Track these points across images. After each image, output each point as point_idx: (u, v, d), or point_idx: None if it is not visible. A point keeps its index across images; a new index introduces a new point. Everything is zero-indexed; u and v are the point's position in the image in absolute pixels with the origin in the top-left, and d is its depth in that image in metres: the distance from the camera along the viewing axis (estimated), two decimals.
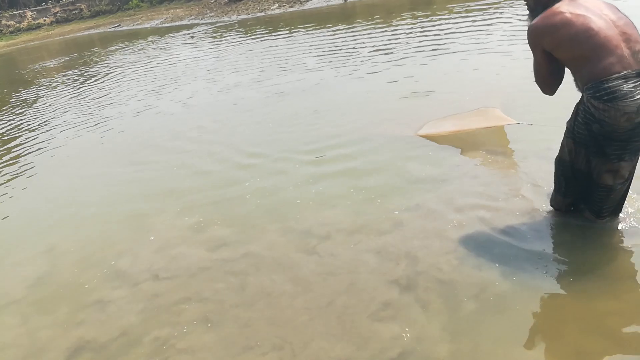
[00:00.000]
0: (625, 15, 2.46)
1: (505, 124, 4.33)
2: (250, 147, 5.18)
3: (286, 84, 7.66)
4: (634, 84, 2.29)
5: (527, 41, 2.57)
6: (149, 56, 14.02)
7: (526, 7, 2.69)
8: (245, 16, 19.11)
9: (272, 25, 15.26)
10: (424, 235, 3.08)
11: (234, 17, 19.54)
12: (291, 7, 18.39)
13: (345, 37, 10.62)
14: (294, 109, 6.35)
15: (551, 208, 2.98)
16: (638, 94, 2.29)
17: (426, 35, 9.16)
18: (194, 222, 3.86)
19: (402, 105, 5.67)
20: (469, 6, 11.02)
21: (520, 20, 8.59)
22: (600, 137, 2.42)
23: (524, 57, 6.23)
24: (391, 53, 8.26)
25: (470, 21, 9.54)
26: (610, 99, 2.30)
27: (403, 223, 3.26)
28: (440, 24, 9.87)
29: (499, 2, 10.63)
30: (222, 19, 19.85)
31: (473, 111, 4.73)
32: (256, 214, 3.77)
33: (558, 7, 2.45)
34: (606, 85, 2.31)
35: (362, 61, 8.13)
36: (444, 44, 8.15)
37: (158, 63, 12.39)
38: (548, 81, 2.60)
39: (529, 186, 3.39)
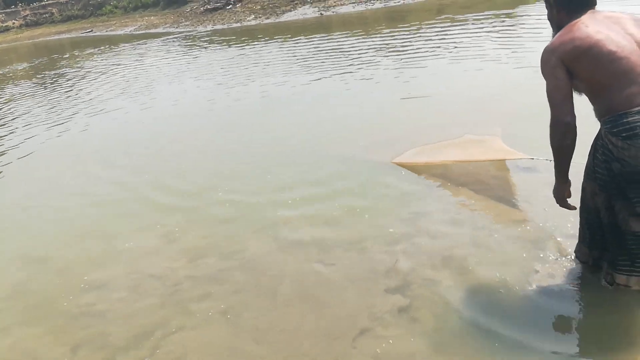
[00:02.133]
0: None
1: (516, 158, 3.81)
2: (219, 167, 4.97)
3: (264, 93, 7.64)
4: None
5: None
6: (120, 63, 13.81)
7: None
8: (221, 26, 19.05)
9: (249, 35, 15.24)
10: (415, 251, 3.05)
11: (209, 27, 19.45)
12: (267, 18, 18.42)
13: (323, 47, 10.66)
14: (272, 122, 6.17)
15: (573, 257, 2.66)
16: None
17: (408, 47, 9.24)
18: (167, 232, 3.76)
19: (386, 124, 5.38)
20: (447, 19, 11.23)
21: (507, 33, 8.79)
22: (620, 178, 2.09)
23: (525, 70, 6.19)
24: (373, 65, 8.30)
25: (453, 33, 9.69)
26: (630, 136, 1.99)
27: (395, 240, 3.21)
28: (420, 36, 10.00)
29: (480, 16, 10.86)
30: (197, 29, 19.72)
31: (473, 139, 4.25)
32: (242, 231, 3.64)
33: (576, 21, 2.14)
34: (626, 120, 2.00)
35: (344, 73, 8.10)
36: (426, 57, 8.19)
37: (129, 70, 12.20)
38: (567, 102, 2.12)
39: (533, 224, 3.13)
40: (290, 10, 18.59)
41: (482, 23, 10.31)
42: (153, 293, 3.05)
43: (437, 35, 9.89)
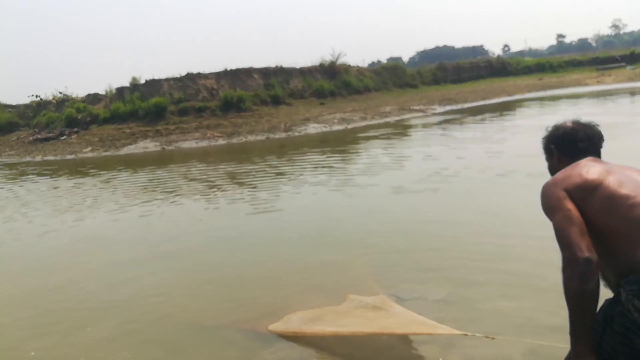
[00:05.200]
0: None
1: (441, 334, 3.02)
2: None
3: (87, 229, 7.05)
4: None
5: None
6: None
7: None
8: (53, 157, 17.91)
9: (82, 167, 14.46)
10: None
11: (38, 158, 18.16)
12: (106, 151, 17.85)
13: (164, 181, 10.46)
14: (98, 273, 5.23)
15: None
16: None
17: (253, 181, 9.47)
18: None
19: (246, 277, 4.76)
20: (293, 153, 11.95)
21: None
22: None
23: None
24: (220, 201, 8.28)
25: (299, 165, 10.23)
26: None
27: None
28: (265, 172, 10.36)
29: (320, 151, 11.75)
30: (24, 159, 18.28)
31: (368, 303, 3.55)
32: None
33: (580, 161, 1.91)
34: None
35: (192, 210, 7.91)
36: (272, 190, 8.38)
37: None
38: (583, 236, 1.65)
39: None
40: (131, 144, 18.32)
41: (324, 155, 11.21)
42: None
43: (283, 166, 10.43)
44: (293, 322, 3.49)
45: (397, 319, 3.25)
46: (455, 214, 5.98)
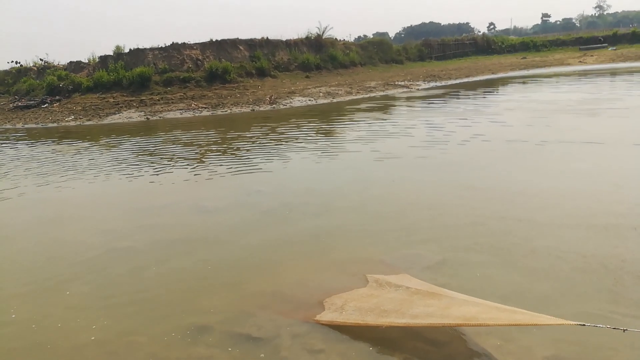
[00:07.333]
0: None
1: (546, 324, 2.51)
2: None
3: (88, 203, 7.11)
4: None
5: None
6: None
7: None
8: (34, 125, 17.69)
9: (69, 136, 14.34)
10: None
11: (19, 125, 17.92)
12: (89, 120, 17.68)
13: (147, 150, 10.49)
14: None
15: None
16: None
17: (243, 153, 9.58)
18: None
19: (264, 254, 4.48)
20: (279, 124, 12.03)
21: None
22: None
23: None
24: (204, 169, 8.37)
25: (289, 134, 10.36)
26: None
27: None
28: (247, 142, 10.47)
29: (306, 122, 11.83)
30: (4, 126, 18.02)
31: (409, 286, 3.13)
32: None
33: None
34: None
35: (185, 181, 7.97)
36: (262, 160, 8.52)
37: None
38: None
39: None
40: (115, 114, 18.15)
41: (305, 125, 11.33)
42: None
43: (270, 137, 10.53)
44: (350, 313, 3.00)
45: (477, 307, 2.74)
46: (452, 182, 6.23)
